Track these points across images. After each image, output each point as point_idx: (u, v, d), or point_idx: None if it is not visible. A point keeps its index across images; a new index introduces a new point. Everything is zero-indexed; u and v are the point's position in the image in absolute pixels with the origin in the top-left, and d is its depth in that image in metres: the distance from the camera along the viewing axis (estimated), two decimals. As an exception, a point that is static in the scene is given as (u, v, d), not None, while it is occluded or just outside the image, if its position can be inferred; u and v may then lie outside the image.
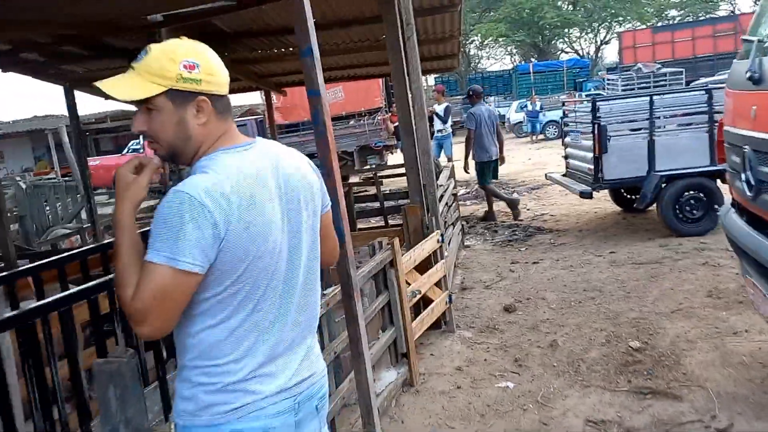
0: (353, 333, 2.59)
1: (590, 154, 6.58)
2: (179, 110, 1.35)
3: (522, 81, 29.37)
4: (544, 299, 5.02)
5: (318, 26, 2.15)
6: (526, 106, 22.28)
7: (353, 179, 11.40)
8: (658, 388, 3.37)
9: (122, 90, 1.34)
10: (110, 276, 2.82)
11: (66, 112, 6.70)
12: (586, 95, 19.49)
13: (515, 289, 5.36)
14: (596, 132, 6.37)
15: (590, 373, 3.68)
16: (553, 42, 37.87)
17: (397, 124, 10.55)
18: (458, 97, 26.37)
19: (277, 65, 7.40)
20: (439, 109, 11.10)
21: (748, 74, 2.81)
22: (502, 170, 9.20)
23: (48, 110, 34.09)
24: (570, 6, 35.42)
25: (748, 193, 2.95)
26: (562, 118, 9.41)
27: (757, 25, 3.13)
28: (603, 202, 8.19)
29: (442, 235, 4.50)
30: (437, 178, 5.75)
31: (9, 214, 7.36)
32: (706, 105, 6.32)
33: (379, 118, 14.01)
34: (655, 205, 6.51)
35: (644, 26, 30.63)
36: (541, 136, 21.01)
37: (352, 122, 14.27)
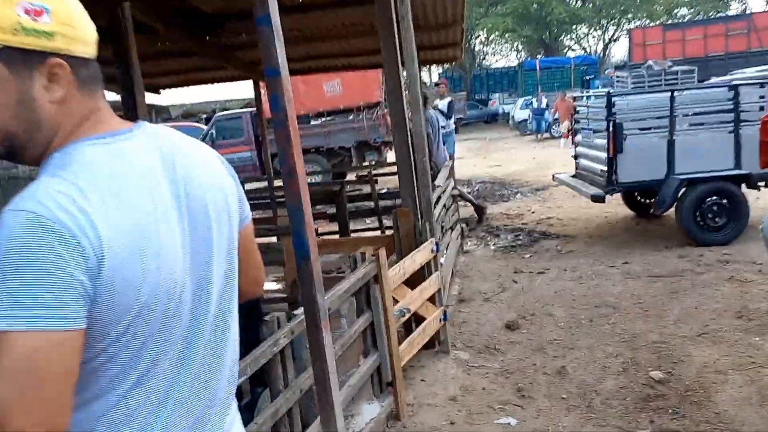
0: (319, 372, 2.07)
1: (603, 155, 6.05)
2: (21, 80, 0.87)
3: (528, 78, 28.89)
4: (551, 315, 4.51)
5: (305, 7, 1.68)
6: (531, 103, 21.73)
7: (350, 176, 10.85)
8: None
9: None
10: None
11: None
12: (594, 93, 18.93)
13: (518, 303, 4.84)
14: (611, 130, 5.82)
15: (606, 409, 3.19)
16: (560, 39, 37.23)
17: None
18: (462, 93, 25.86)
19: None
20: (442, 104, 10.55)
21: None
22: (505, 170, 8.71)
23: None
24: (579, 2, 34.83)
25: None
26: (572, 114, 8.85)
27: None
28: (614, 205, 7.60)
29: (437, 243, 3.96)
30: (434, 179, 5.23)
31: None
32: (731, 103, 5.78)
33: (379, 113, 13.43)
34: (673, 210, 5.98)
35: (654, 24, 30.03)
36: (546, 135, 20.42)
37: (350, 117, 13.69)
